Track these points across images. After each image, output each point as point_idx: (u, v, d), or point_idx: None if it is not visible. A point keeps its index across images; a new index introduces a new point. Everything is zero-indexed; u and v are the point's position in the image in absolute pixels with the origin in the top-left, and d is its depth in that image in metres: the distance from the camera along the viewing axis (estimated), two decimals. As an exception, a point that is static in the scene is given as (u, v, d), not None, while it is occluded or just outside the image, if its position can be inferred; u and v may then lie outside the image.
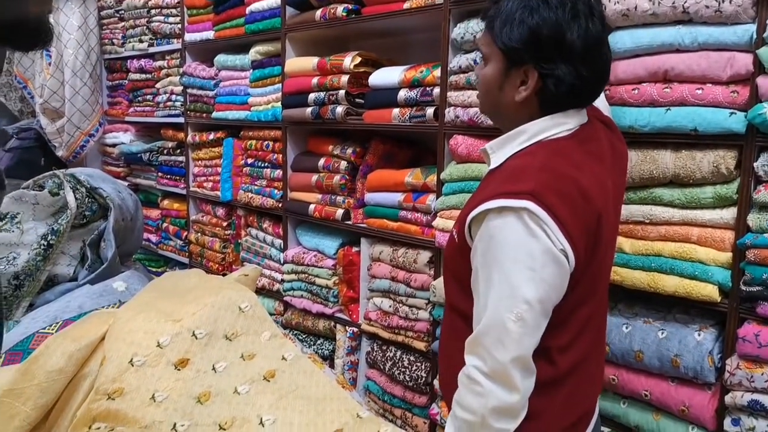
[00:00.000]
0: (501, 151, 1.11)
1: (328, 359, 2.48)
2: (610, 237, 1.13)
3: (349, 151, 2.37)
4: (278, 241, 2.71)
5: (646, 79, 1.50)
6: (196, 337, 1.30)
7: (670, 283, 1.48)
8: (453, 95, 1.92)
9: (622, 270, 1.55)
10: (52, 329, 1.34)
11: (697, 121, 1.40)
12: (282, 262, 2.65)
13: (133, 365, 1.19)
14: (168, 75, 3.38)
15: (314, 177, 2.47)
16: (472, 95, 1.85)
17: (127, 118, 3.81)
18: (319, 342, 2.54)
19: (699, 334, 1.45)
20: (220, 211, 3.10)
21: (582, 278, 1.03)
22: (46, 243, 1.54)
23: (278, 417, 1.19)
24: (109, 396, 1.13)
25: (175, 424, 1.14)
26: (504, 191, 1.00)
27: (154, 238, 3.65)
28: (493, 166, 1.11)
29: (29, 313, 1.47)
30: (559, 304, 1.02)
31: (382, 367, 2.23)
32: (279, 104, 2.59)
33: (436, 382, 2.00)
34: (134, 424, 1.10)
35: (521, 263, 0.97)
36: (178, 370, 1.24)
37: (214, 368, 1.28)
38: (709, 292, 1.42)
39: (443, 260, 1.27)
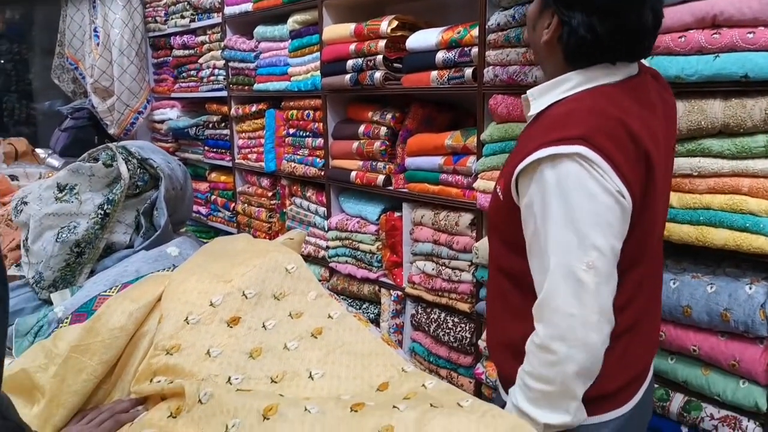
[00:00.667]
0: (543, 98, 1.07)
1: (374, 322, 2.53)
2: (662, 188, 1.09)
3: (389, 116, 2.37)
4: (322, 209, 2.76)
5: (693, 25, 1.44)
6: (246, 297, 1.35)
7: (719, 237, 1.44)
8: (492, 54, 1.89)
9: (670, 225, 1.52)
10: (112, 292, 1.42)
11: (748, 67, 1.34)
12: (326, 229, 2.70)
13: (188, 323, 1.26)
14: (210, 50, 3.44)
15: (355, 144, 2.49)
16: (511, 53, 1.82)
17: (173, 95, 3.91)
18: (364, 306, 2.59)
19: (750, 288, 1.41)
20: (265, 182, 3.16)
21: (637, 226, 0.99)
22: (102, 212, 1.62)
23: (326, 371, 1.23)
24: (167, 351, 1.20)
25: (229, 378, 1.20)
26: (553, 138, 0.96)
27: (203, 210, 3.76)
28: (533, 112, 1.09)
29: (90, 278, 1.56)
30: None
31: (426, 329, 2.26)
32: (318, 73, 2.60)
33: (480, 342, 2.02)
34: (191, 377, 1.16)
35: (584, 209, 0.93)
36: (231, 327, 1.29)
37: (264, 326, 1.33)
38: (761, 244, 1.38)
39: (487, 221, 1.28)
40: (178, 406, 1.10)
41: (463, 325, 2.14)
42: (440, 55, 2.06)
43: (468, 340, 2.11)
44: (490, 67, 1.90)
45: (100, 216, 1.61)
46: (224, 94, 3.35)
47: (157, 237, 1.65)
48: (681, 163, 1.50)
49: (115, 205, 1.64)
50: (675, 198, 1.52)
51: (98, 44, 3.90)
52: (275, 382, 1.20)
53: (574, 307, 0.94)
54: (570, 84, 1.04)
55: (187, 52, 3.69)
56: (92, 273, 1.62)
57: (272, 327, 1.33)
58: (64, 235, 1.57)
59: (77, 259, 1.59)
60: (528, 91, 1.10)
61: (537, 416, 1.02)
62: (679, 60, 1.46)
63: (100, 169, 1.66)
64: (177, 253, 1.57)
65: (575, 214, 0.94)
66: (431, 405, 1.05)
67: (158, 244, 1.62)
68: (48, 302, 1.55)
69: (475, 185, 1.98)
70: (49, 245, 1.56)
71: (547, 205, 0.96)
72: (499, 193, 1.09)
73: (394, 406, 1.04)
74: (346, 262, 2.64)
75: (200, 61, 3.53)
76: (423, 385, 1.19)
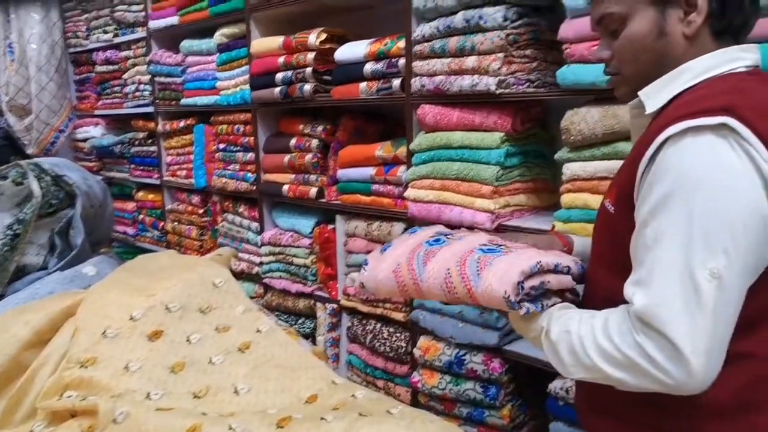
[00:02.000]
0: (659, 95, 0.90)
1: (310, 337, 2.49)
2: None
3: (320, 128, 2.37)
4: (255, 224, 2.71)
5: (604, 35, 1.51)
6: (170, 311, 1.31)
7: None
8: (418, 65, 1.92)
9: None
10: (22, 315, 1.33)
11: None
12: (259, 244, 2.65)
13: (106, 336, 1.20)
14: (135, 65, 3.34)
15: (286, 157, 2.46)
16: (436, 63, 1.85)
17: (96, 112, 3.77)
18: (300, 321, 2.55)
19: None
20: (196, 199, 3.08)
21: None
22: (12, 233, 1.53)
23: (253, 385, 1.20)
24: (82, 364, 1.14)
25: (149, 393, 1.15)
26: (688, 112, 0.79)
27: (131, 230, 3.62)
28: (649, 110, 0.90)
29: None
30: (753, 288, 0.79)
31: (362, 340, 2.24)
32: (247, 87, 2.57)
33: (416, 351, 2.02)
34: (107, 392, 1.10)
35: (719, 200, 0.75)
36: (152, 341, 1.25)
37: (188, 340, 1.29)
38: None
39: (593, 250, 1.01)
40: (90, 425, 1.04)
41: (398, 335, 2.13)
42: (368, 67, 2.07)
43: (404, 349, 2.10)
44: (417, 77, 1.93)
45: (9, 237, 1.52)
46: (151, 109, 3.25)
47: (74, 257, 1.57)
48: (598, 167, 1.56)
49: (26, 225, 1.55)
50: (594, 200, 1.58)
51: (13, 60, 3.71)
52: (198, 398, 1.16)
53: (682, 322, 0.75)
54: (690, 74, 0.88)
55: (110, 67, 3.57)
56: (1, 297, 1.52)
57: (197, 341, 1.29)
58: (-33, 257, 1.46)
59: (-17, 282, 1.48)
60: (640, 93, 0.91)
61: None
62: (594, 68, 1.52)
63: (9, 187, 1.57)
64: (94, 272, 1.50)
65: (705, 204, 0.75)
66: (360, 414, 1.03)
67: (74, 265, 1.54)
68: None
69: (405, 194, 2.00)
70: (-49, 268, 1.45)
71: (666, 193, 0.78)
72: (609, 207, 0.92)
73: (321, 418, 1.02)
74: (280, 276, 2.59)
75: (125, 76, 3.42)
76: (353, 395, 1.18)
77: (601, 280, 0.95)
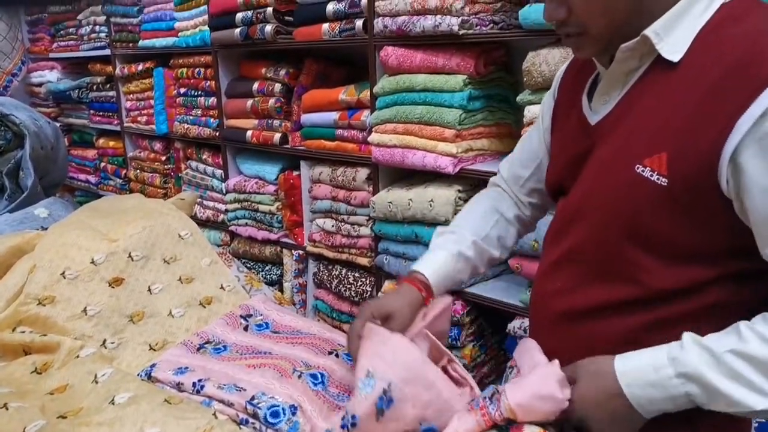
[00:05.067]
0: (673, 33, 0.74)
1: (277, 284, 2.50)
2: None
3: (283, 72, 2.31)
4: (219, 171, 2.66)
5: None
6: (132, 259, 1.28)
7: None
8: (381, 5, 1.87)
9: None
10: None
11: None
12: (224, 192, 2.61)
13: (65, 278, 1.17)
14: (89, 5, 3.18)
15: (249, 102, 2.41)
16: (399, 3, 1.80)
17: (51, 55, 3.60)
18: (267, 268, 2.55)
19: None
20: (158, 146, 3.01)
21: None
22: (-42, 174, 1.47)
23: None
24: (39, 302, 1.12)
25: (105, 341, 1.14)
26: None
27: (93, 179, 3.53)
28: (676, 57, 0.74)
29: (-53, 246, 1.42)
30: None
31: (328, 285, 2.26)
32: (206, 27, 2.47)
33: (380, 295, 2.05)
34: (63, 334, 1.09)
35: None
36: (112, 287, 1.23)
37: (149, 290, 1.27)
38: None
39: (606, 217, 0.81)
40: (45, 362, 1.03)
41: (363, 279, 2.15)
42: (330, 7, 2.01)
43: (369, 293, 2.13)
44: (380, 17, 1.88)
45: (-46, 178, 1.46)
46: (108, 52, 3.12)
47: (24, 199, 1.52)
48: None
49: (-27, 166, 1.49)
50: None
51: (-42, -2, 3.50)
52: (153, 350, 1.15)
53: None
54: (704, 2, 0.74)
55: (64, 8, 3.40)
56: (-50, 241, 1.47)
57: (159, 291, 1.28)
58: None
59: (-71, 226, 1.44)
60: (646, 32, 0.75)
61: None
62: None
63: (-48, 127, 1.50)
64: (46, 214, 1.46)
65: None
66: None
67: (25, 207, 1.50)
68: None
69: (369, 138, 1.98)
70: None
71: None
72: (656, 178, 0.74)
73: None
74: (246, 224, 2.57)
75: (79, 17, 3.26)
76: None
77: (635, 263, 0.78)
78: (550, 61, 1.52)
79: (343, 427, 0.79)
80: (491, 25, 1.70)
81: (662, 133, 0.74)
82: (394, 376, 0.79)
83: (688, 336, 0.72)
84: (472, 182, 1.85)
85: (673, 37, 0.74)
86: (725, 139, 0.68)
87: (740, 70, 0.68)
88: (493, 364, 2.00)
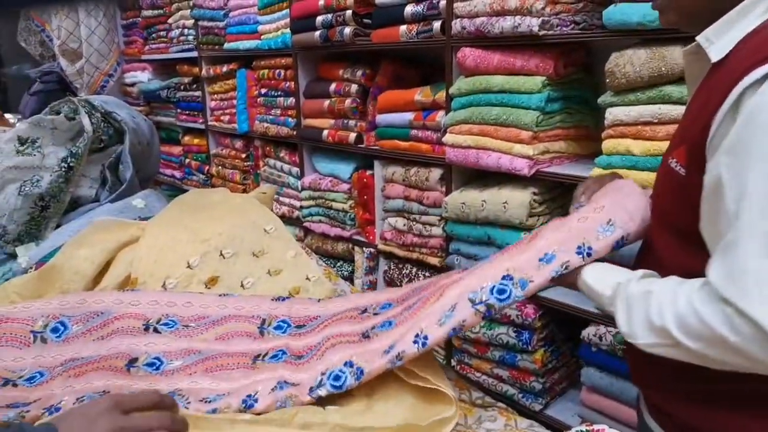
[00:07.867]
0: (724, 37, 0.78)
1: (348, 280, 2.55)
2: None
3: (359, 73, 2.36)
4: (295, 169, 2.75)
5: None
6: (224, 257, 1.36)
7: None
8: (459, 6, 1.87)
9: (631, 173, 1.54)
10: (77, 243, 1.42)
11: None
12: (300, 189, 2.70)
13: (165, 288, 1.26)
14: (179, 9, 3.37)
15: (326, 102, 2.48)
16: (478, 4, 1.80)
17: (143, 57, 3.83)
18: (338, 264, 2.61)
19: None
20: (239, 143, 3.14)
21: None
22: (66, 165, 1.60)
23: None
24: None
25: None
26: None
27: (178, 174, 3.73)
28: (715, 57, 0.79)
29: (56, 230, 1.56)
30: None
31: (398, 283, 2.29)
32: (288, 30, 2.57)
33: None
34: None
35: None
36: (208, 288, 1.31)
37: (242, 284, 1.34)
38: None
39: (654, 210, 0.92)
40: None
41: (433, 279, 2.16)
42: (409, 9, 2.04)
43: (438, 293, 2.14)
44: (458, 19, 1.89)
45: (63, 169, 1.60)
46: (195, 54, 3.29)
47: (123, 191, 1.64)
48: (642, 111, 1.52)
49: (79, 158, 1.62)
50: (637, 146, 1.54)
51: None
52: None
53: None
54: (762, 7, 0.76)
55: (156, 12, 3.61)
56: (58, 227, 1.61)
57: (250, 285, 1.34)
58: (27, 189, 1.55)
59: (42, 212, 1.58)
60: (698, 37, 0.80)
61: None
62: (641, 7, 1.47)
63: (63, 122, 1.63)
64: (143, 205, 1.57)
65: None
66: None
67: (124, 197, 1.61)
68: (13, 256, 1.54)
69: (444, 139, 1.99)
70: (12, 198, 1.54)
71: (750, 141, 0.68)
72: (678, 169, 0.81)
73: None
74: (320, 221, 2.65)
75: (169, 21, 3.46)
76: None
77: (663, 246, 0.85)
78: (635, 62, 1.49)
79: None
80: (572, 25, 1.68)
81: (689, 127, 0.81)
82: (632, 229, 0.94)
83: (641, 272, 0.84)
84: (547, 185, 1.83)
85: (723, 41, 0.78)
86: (708, 134, 0.75)
87: (743, 60, 0.72)
88: (564, 371, 1.96)
